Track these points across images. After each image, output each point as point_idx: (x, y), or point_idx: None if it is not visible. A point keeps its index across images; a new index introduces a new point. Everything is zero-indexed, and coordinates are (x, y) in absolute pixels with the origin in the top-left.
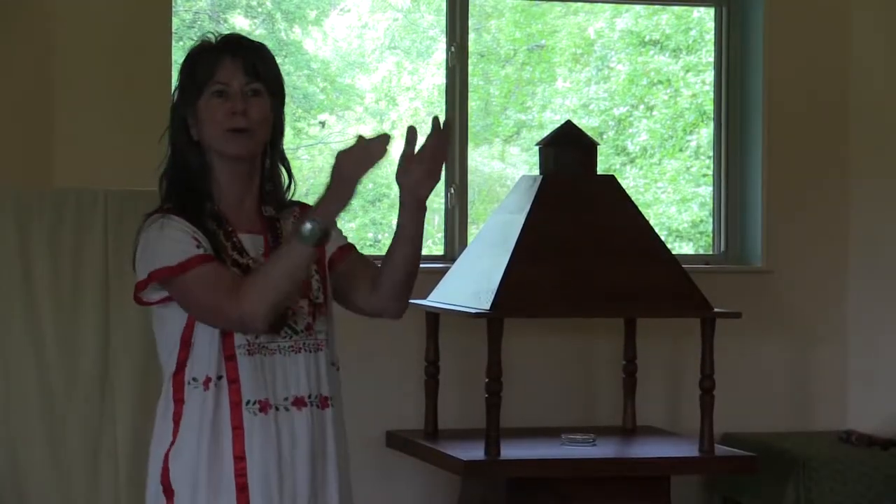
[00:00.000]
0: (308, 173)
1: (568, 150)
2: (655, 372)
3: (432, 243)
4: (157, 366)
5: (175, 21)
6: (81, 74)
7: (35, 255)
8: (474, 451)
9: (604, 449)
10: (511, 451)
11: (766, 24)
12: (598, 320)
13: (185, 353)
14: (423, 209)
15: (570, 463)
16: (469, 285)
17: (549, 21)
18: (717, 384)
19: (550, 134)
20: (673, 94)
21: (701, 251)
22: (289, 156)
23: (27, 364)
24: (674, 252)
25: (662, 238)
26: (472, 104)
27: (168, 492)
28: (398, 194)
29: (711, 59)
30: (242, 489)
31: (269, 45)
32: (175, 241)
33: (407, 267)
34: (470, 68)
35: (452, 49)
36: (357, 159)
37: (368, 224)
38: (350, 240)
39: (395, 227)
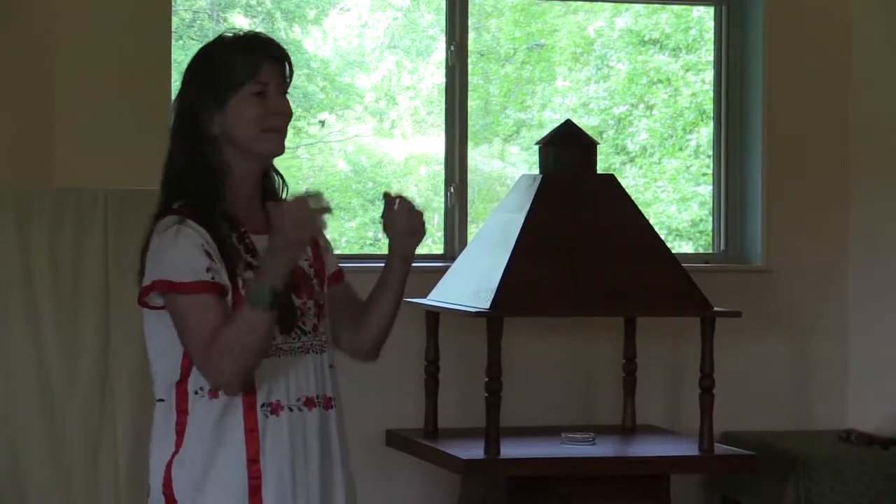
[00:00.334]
0: (308, 172)
1: (568, 150)
2: (655, 371)
3: (432, 242)
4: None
5: (175, 20)
6: (81, 74)
7: (35, 255)
8: (474, 450)
9: (603, 448)
10: (511, 450)
11: (765, 23)
12: (598, 319)
13: (190, 363)
14: (409, 263)
15: (570, 462)
16: (469, 284)
17: (549, 20)
18: (717, 383)
19: (550, 133)
20: (673, 93)
21: (701, 250)
22: (288, 155)
23: (27, 364)
24: (674, 251)
25: (662, 237)
26: (472, 103)
27: (171, 501)
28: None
29: (711, 59)
30: (256, 492)
31: None
32: (186, 257)
33: (386, 324)
34: (470, 67)
35: (452, 48)
36: (297, 222)
37: (368, 223)
38: (350, 239)
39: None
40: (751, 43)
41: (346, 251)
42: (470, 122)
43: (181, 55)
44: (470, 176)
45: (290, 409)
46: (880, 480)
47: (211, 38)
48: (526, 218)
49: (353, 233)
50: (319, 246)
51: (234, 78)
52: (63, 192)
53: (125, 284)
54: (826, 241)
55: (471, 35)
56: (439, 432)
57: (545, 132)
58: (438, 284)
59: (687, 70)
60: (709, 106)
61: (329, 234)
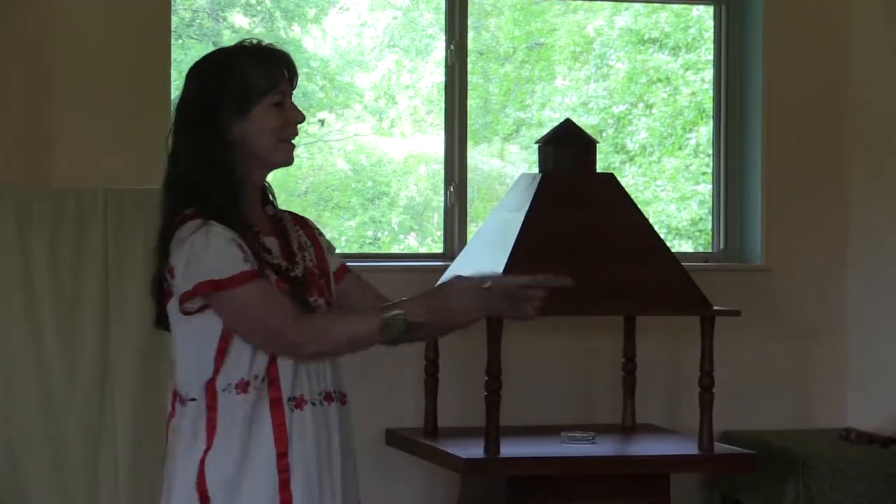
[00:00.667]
0: (307, 171)
1: (567, 149)
2: (655, 370)
3: (432, 241)
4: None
5: (174, 20)
6: (81, 74)
7: (35, 255)
8: (474, 450)
9: (603, 447)
10: (510, 449)
11: (765, 22)
12: (598, 318)
13: (221, 361)
14: (455, 328)
15: (570, 461)
16: None
17: (549, 19)
18: (717, 382)
19: (550, 132)
20: (672, 92)
21: (700, 249)
22: None
23: (27, 364)
24: (673, 250)
25: (662, 236)
26: (472, 102)
27: (204, 498)
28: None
29: (711, 57)
30: (285, 485)
31: None
32: (222, 253)
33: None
34: (469, 66)
35: (452, 47)
36: (475, 301)
37: (368, 222)
38: (349, 238)
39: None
40: (750, 42)
41: (346, 250)
42: (469, 121)
43: (181, 55)
44: (469, 175)
45: (313, 404)
46: (880, 479)
47: (210, 37)
48: (525, 217)
49: (353, 232)
50: (322, 248)
51: (259, 87)
52: (63, 192)
53: (125, 284)
54: (826, 240)
55: (470, 34)
56: (439, 431)
57: (545, 131)
58: (438, 283)
59: (686, 69)
60: (708, 105)
61: (329, 233)
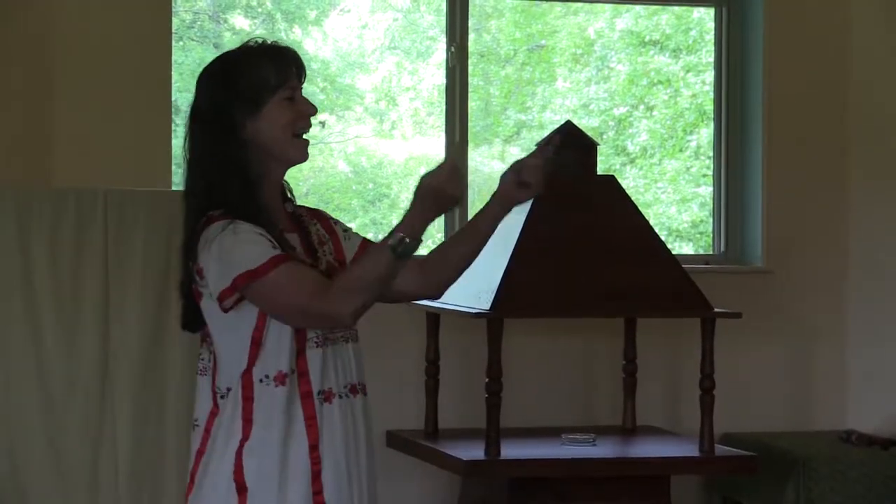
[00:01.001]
0: (308, 173)
1: (568, 151)
2: (655, 372)
3: (432, 243)
4: (157, 366)
5: (175, 21)
6: (81, 74)
7: (35, 255)
8: (474, 451)
9: (604, 449)
10: (511, 450)
11: (766, 24)
12: (598, 320)
13: (256, 352)
14: (507, 211)
15: (570, 463)
16: (469, 285)
17: (549, 21)
18: (717, 384)
19: (550, 134)
20: (673, 94)
21: (701, 251)
22: None
23: (27, 364)
24: (674, 252)
25: (662, 238)
26: (472, 104)
27: (241, 489)
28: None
29: (711, 60)
30: (317, 477)
31: None
32: (252, 244)
33: (464, 265)
34: (470, 68)
35: (452, 49)
36: (454, 182)
37: (369, 224)
38: None
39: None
40: (751, 44)
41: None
42: (470, 124)
43: (181, 56)
44: (470, 177)
45: (340, 397)
46: (880, 481)
47: (211, 39)
48: (526, 219)
49: None
50: (339, 239)
51: (269, 83)
52: (63, 192)
53: (125, 284)
54: (826, 242)
55: (471, 36)
56: (440, 433)
57: (545, 133)
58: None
59: (687, 71)
60: (709, 107)
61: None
